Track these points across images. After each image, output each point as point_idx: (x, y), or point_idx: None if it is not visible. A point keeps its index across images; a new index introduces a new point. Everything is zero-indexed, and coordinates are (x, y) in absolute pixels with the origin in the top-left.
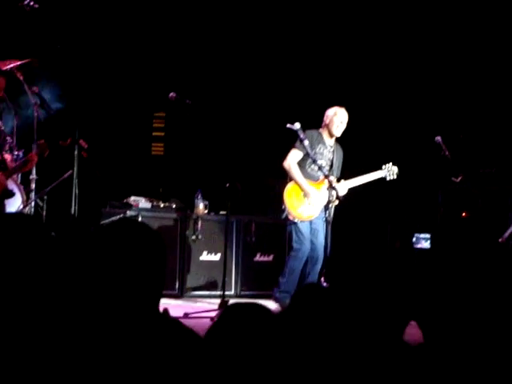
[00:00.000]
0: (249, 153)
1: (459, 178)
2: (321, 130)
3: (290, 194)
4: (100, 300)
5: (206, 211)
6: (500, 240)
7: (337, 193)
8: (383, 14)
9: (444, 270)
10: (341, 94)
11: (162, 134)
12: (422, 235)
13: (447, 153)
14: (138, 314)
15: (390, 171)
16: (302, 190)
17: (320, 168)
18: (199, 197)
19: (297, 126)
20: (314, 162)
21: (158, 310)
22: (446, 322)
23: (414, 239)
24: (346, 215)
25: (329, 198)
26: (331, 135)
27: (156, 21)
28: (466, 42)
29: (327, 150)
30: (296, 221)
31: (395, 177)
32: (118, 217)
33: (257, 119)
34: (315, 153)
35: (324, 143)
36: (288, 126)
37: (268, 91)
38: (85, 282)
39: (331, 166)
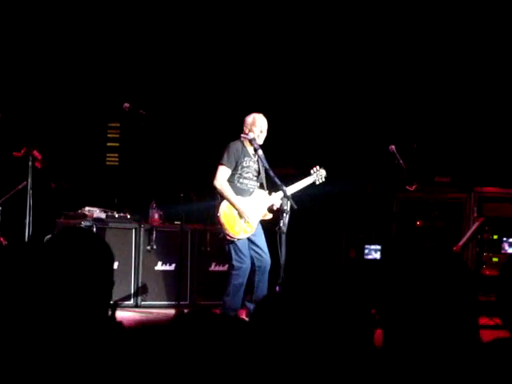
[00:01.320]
0: (202, 162)
1: (414, 187)
2: (242, 139)
3: (225, 214)
4: (47, 309)
5: (161, 221)
6: (455, 248)
7: (291, 202)
8: (327, 28)
9: (394, 279)
10: (292, 102)
11: (117, 144)
12: (373, 246)
13: (401, 162)
14: (85, 321)
15: (318, 175)
16: (237, 209)
17: (256, 179)
18: (154, 207)
19: (251, 135)
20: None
21: (106, 317)
22: (401, 328)
23: (365, 250)
24: (301, 224)
25: (282, 206)
26: (250, 144)
27: (109, 32)
28: (419, 50)
29: (252, 161)
30: (234, 239)
31: (324, 180)
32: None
33: (209, 128)
34: (242, 166)
35: (248, 154)
36: (242, 136)
37: (219, 100)
38: (33, 291)
39: (258, 175)
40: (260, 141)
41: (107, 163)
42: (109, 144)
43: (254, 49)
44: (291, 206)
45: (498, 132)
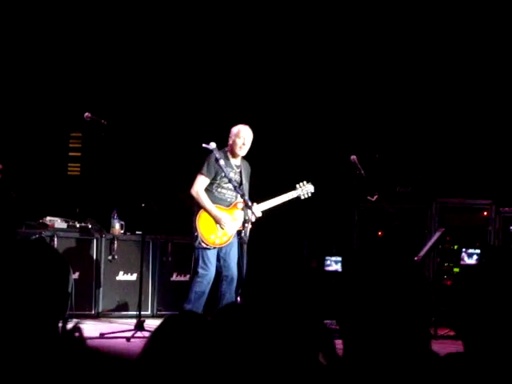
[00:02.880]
0: (163, 172)
1: (375, 197)
2: (226, 149)
3: (202, 221)
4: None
5: (122, 231)
6: (416, 258)
7: (253, 214)
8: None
9: (354, 290)
10: (257, 110)
11: (79, 154)
12: (334, 258)
13: (362, 172)
14: (36, 335)
15: (304, 190)
16: (213, 217)
17: (235, 188)
18: (115, 217)
19: (212, 145)
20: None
21: (57, 331)
22: (364, 339)
23: (326, 262)
24: (264, 232)
25: (244, 217)
26: (235, 155)
27: (70, 40)
28: (381, 59)
29: (233, 172)
30: (204, 246)
31: (310, 195)
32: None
33: (170, 138)
34: (221, 177)
35: (230, 165)
36: (204, 145)
37: (180, 110)
38: None
39: (240, 186)
40: (242, 152)
41: (69, 173)
42: (70, 154)
43: (228, 62)
44: (253, 216)
45: (460, 142)
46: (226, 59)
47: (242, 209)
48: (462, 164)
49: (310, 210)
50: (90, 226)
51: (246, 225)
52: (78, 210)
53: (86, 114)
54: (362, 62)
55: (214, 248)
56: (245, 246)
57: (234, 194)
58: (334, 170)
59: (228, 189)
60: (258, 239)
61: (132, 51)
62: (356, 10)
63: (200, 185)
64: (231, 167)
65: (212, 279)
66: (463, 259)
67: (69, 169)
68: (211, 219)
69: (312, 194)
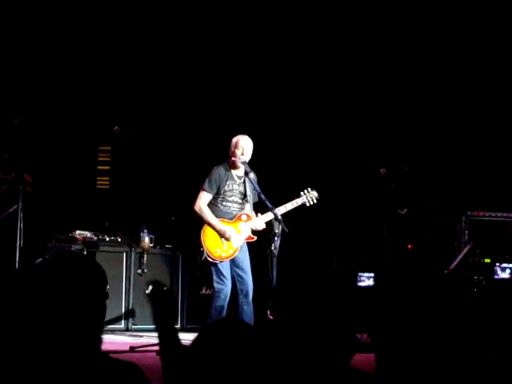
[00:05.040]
0: (193, 185)
1: (404, 210)
2: (229, 160)
3: (206, 236)
4: (41, 334)
5: (152, 245)
6: (446, 272)
7: (282, 225)
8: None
9: (388, 303)
10: (279, 123)
11: (108, 167)
12: (366, 274)
13: (392, 185)
14: (77, 348)
15: (309, 197)
16: (217, 231)
17: (241, 202)
18: (144, 230)
19: (242, 158)
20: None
21: (99, 345)
22: (397, 353)
23: (358, 277)
24: (292, 246)
25: (274, 230)
26: (236, 166)
27: (100, 54)
28: (410, 70)
29: (236, 184)
30: (216, 262)
31: (315, 201)
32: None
33: (199, 151)
34: (224, 190)
35: (232, 178)
36: (233, 158)
37: (210, 123)
38: (26, 316)
39: (244, 197)
40: (239, 163)
41: (98, 186)
42: (99, 167)
43: (244, 73)
44: (282, 230)
45: (490, 156)
46: (244, 74)
47: (246, 221)
48: (492, 177)
49: (339, 224)
50: (119, 240)
51: (276, 238)
52: (108, 224)
53: (116, 127)
54: (394, 74)
55: (222, 262)
56: (274, 260)
57: (240, 206)
58: (363, 184)
59: (233, 202)
60: (288, 252)
61: (162, 66)
62: (382, 14)
63: (202, 201)
64: (233, 179)
65: (229, 292)
66: (496, 273)
67: (98, 182)
68: (215, 233)
69: (317, 200)
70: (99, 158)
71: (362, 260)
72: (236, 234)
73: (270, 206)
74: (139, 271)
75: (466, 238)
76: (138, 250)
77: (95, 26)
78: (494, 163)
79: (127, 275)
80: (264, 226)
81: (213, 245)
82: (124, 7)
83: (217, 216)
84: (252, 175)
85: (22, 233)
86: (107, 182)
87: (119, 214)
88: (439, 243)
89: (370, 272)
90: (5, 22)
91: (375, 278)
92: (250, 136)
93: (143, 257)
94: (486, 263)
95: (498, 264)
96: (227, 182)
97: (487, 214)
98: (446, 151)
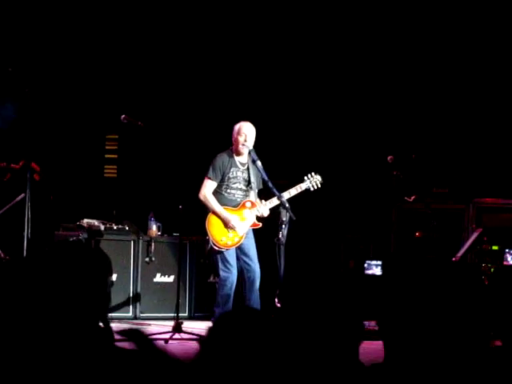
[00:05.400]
0: (200, 173)
1: (412, 198)
2: (232, 148)
3: (211, 224)
4: (43, 321)
5: (159, 233)
6: (454, 259)
7: (289, 213)
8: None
9: (395, 291)
10: (289, 112)
11: (115, 156)
12: (374, 262)
13: (399, 172)
14: (76, 334)
15: (312, 181)
16: (222, 219)
17: (245, 189)
18: (152, 219)
19: (248, 146)
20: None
21: (98, 330)
22: (406, 341)
23: (365, 265)
24: (299, 234)
25: (282, 218)
26: (239, 153)
27: (107, 45)
28: (417, 60)
29: (240, 171)
30: (222, 250)
31: (319, 186)
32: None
33: (206, 139)
34: (229, 178)
35: (236, 165)
36: (241, 145)
37: (217, 110)
38: (29, 304)
39: (248, 184)
40: (245, 151)
41: (105, 175)
42: (107, 156)
43: (249, 60)
44: (290, 218)
45: (497, 142)
46: (248, 60)
47: (250, 208)
48: (500, 163)
49: (347, 211)
50: (127, 228)
51: (284, 226)
52: (115, 212)
53: (123, 115)
54: (400, 61)
55: (228, 250)
56: (282, 248)
57: (244, 193)
58: (371, 171)
59: (237, 189)
60: (295, 241)
61: (170, 54)
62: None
63: (207, 189)
64: (237, 166)
65: (235, 280)
66: (506, 259)
67: (105, 171)
68: (220, 222)
69: (321, 184)
70: (107, 147)
71: (370, 248)
72: (241, 221)
73: (278, 193)
74: (147, 259)
75: (474, 225)
76: (146, 239)
77: (103, 16)
78: (501, 150)
79: (135, 263)
80: (268, 213)
81: (218, 233)
82: None
83: (221, 204)
84: (259, 163)
85: (29, 222)
86: (115, 171)
87: (127, 203)
88: (447, 231)
89: (377, 260)
90: (15, 12)
91: (383, 266)
92: (258, 122)
93: (151, 245)
94: (494, 250)
95: (507, 250)
96: (231, 169)
97: (495, 201)
98: (454, 138)
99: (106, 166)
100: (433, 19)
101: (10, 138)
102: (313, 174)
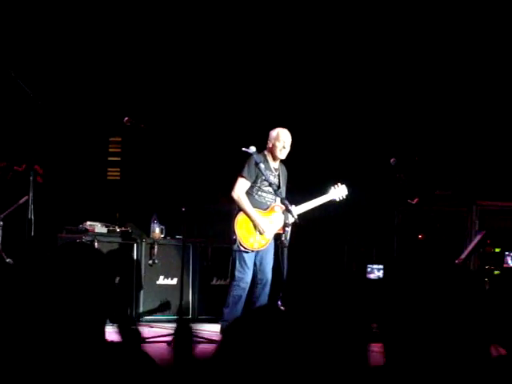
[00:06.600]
0: (203, 176)
1: (415, 200)
2: (265, 152)
3: (240, 224)
4: (46, 323)
5: (163, 235)
6: (457, 261)
7: (292, 216)
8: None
9: (397, 294)
10: (294, 113)
11: (118, 158)
12: (375, 266)
13: (402, 175)
14: (81, 336)
15: (338, 193)
16: (252, 221)
17: (275, 192)
18: (155, 221)
19: (252, 149)
20: (261, 189)
21: (103, 333)
22: (407, 343)
23: (368, 269)
24: (303, 236)
25: (285, 220)
26: (275, 158)
27: (110, 47)
28: (420, 63)
29: (273, 175)
30: (243, 250)
31: (345, 197)
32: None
33: (210, 142)
34: (262, 180)
35: (269, 168)
36: (243, 149)
37: (220, 114)
38: (32, 306)
39: (278, 189)
40: (282, 156)
41: (108, 177)
42: (110, 158)
43: (251, 64)
44: (293, 220)
45: (500, 144)
46: (261, 63)
47: (283, 212)
48: (503, 166)
49: (349, 214)
50: (130, 231)
51: (287, 228)
52: (118, 215)
53: (126, 118)
54: (403, 65)
55: (253, 252)
56: (285, 250)
57: (274, 197)
58: (373, 174)
59: (268, 192)
60: (299, 242)
61: (172, 56)
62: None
63: (241, 188)
64: (270, 170)
65: (249, 283)
66: (507, 262)
67: (108, 173)
68: (250, 223)
69: (346, 196)
70: (110, 149)
71: (373, 250)
72: (269, 224)
73: (280, 196)
74: (150, 262)
75: (477, 227)
76: (149, 241)
77: (106, 17)
78: (505, 152)
79: (138, 266)
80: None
81: (247, 234)
82: None
83: (252, 206)
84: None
85: (32, 224)
86: (118, 173)
87: (130, 205)
88: (450, 233)
89: (379, 264)
90: (17, 12)
91: (385, 268)
92: (257, 127)
93: (154, 247)
94: (497, 253)
95: (507, 253)
96: (265, 172)
97: (498, 204)
98: (457, 141)
99: (109, 169)
100: (437, 23)
101: (14, 140)
102: (339, 184)
